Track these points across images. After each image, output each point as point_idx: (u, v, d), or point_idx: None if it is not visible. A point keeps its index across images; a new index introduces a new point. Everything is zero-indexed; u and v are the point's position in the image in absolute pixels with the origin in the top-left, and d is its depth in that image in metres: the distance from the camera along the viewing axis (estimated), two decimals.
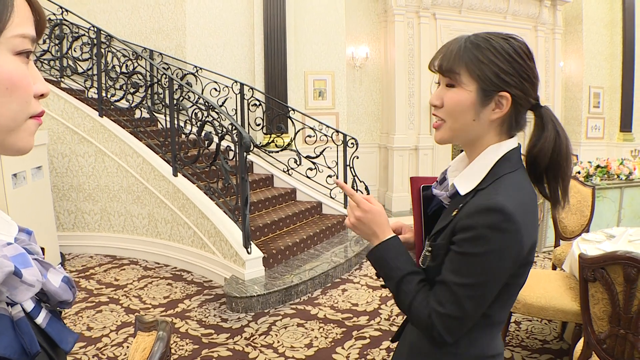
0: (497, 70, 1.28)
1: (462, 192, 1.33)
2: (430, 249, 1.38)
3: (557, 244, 4.68)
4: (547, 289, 3.51)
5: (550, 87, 11.10)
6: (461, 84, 1.30)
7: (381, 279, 1.45)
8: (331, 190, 7.22)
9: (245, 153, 5.04)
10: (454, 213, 1.32)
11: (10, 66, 0.69)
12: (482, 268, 1.24)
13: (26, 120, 0.72)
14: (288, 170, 7.24)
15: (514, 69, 1.30)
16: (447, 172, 1.46)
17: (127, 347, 4.07)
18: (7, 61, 0.68)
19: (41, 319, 0.73)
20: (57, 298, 0.75)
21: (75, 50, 6.95)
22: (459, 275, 1.27)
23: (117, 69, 6.84)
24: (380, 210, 1.43)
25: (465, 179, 1.34)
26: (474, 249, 1.24)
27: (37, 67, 0.69)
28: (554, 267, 4.60)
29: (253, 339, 4.20)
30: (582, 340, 2.80)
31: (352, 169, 7.27)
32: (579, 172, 6.50)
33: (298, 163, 6.99)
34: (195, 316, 4.67)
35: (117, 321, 4.57)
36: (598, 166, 6.72)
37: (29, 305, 0.70)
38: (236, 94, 7.76)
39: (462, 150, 1.48)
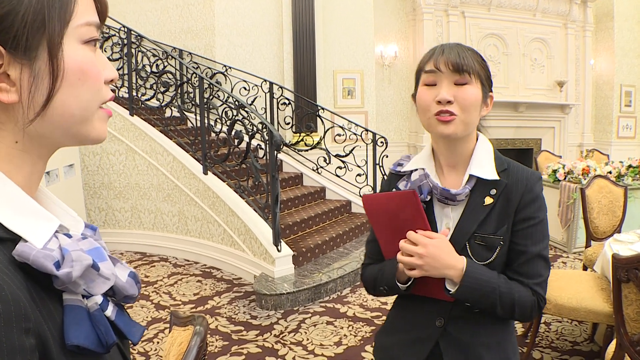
0: (489, 74, 1.48)
1: (490, 177, 1.45)
2: (483, 242, 1.45)
3: (588, 245, 4.60)
4: (578, 289, 3.45)
5: (580, 86, 10.96)
6: (472, 83, 1.41)
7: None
8: (360, 189, 7.20)
9: (275, 151, 5.05)
10: (490, 202, 1.45)
11: (80, 56, 0.69)
12: (547, 226, 1.50)
13: (98, 108, 0.73)
14: (317, 168, 7.23)
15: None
16: (428, 175, 1.51)
17: (158, 342, 4.11)
18: (76, 51, 0.69)
19: (110, 311, 0.74)
20: (124, 292, 0.76)
21: (105, 50, 7.03)
22: (542, 241, 1.47)
23: (147, 68, 6.90)
24: (440, 240, 1.40)
25: (481, 168, 1.47)
26: (544, 213, 1.48)
27: None
28: (585, 268, 4.53)
29: (282, 336, 4.21)
30: (614, 342, 2.75)
31: (381, 168, 7.25)
32: (610, 172, 6.40)
33: (327, 162, 6.98)
34: (225, 313, 4.70)
35: (147, 317, 4.62)
36: (630, 166, 6.61)
37: (99, 299, 0.71)
38: (265, 93, 7.78)
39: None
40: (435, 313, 1.51)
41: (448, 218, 1.49)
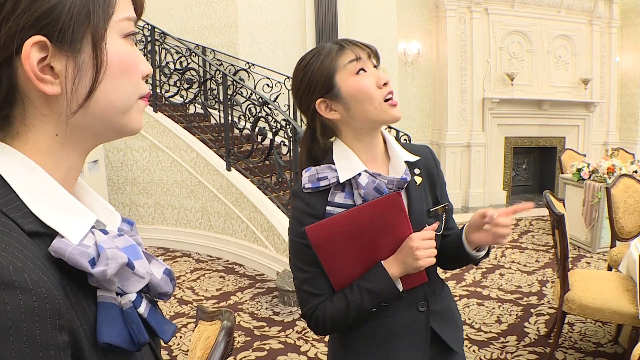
0: None
1: (413, 159, 1.51)
2: (434, 216, 1.52)
3: (612, 245, 4.54)
4: (603, 290, 3.40)
5: (605, 83, 10.79)
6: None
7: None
8: None
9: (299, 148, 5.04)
10: (420, 180, 1.53)
11: (122, 49, 0.71)
12: None
13: (137, 100, 0.75)
14: None
15: None
16: (379, 174, 1.42)
17: (180, 337, 4.15)
18: (117, 45, 0.70)
19: (143, 308, 0.73)
20: (158, 289, 0.76)
21: None
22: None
23: (171, 65, 6.95)
24: None
25: (404, 153, 1.51)
26: None
27: None
28: (609, 268, 4.48)
29: (305, 333, 4.22)
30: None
31: None
32: (636, 171, 6.29)
33: None
34: (248, 309, 4.72)
35: (170, 312, 4.66)
36: None
37: (132, 296, 0.71)
38: (288, 90, 7.78)
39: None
40: (416, 301, 1.49)
41: None
